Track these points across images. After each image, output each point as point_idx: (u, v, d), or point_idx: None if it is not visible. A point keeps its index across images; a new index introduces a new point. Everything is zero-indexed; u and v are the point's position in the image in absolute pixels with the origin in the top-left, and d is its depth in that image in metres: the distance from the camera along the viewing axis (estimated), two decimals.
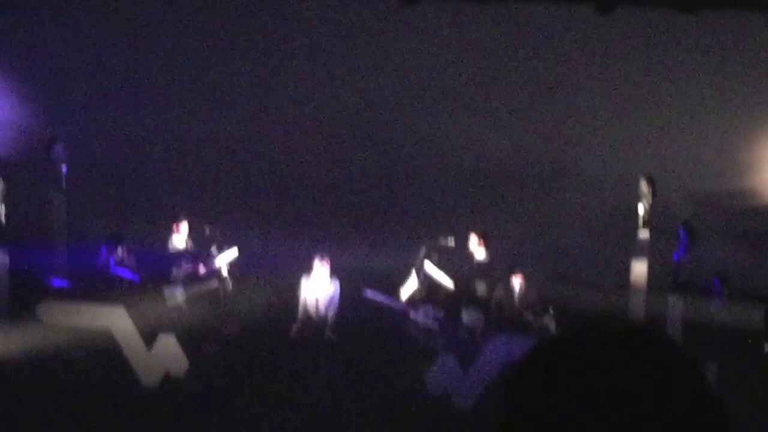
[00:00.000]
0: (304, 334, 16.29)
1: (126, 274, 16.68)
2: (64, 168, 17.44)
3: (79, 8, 19.56)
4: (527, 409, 1.76)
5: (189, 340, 15.80)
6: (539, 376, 1.78)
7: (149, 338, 15.53)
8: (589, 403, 1.70)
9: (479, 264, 17.31)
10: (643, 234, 16.74)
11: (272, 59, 19.75)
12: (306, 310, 16.37)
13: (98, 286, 16.34)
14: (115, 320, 15.60)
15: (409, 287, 16.80)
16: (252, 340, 16.34)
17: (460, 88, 19.65)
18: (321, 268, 16.29)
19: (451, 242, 17.30)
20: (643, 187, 16.74)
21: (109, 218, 18.31)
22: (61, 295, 16.21)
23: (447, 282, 16.86)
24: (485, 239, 17.33)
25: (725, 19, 18.65)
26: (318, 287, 16.35)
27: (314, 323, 16.36)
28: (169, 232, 17.58)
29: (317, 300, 16.34)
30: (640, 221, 16.77)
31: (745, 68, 18.77)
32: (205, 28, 19.71)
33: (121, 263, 16.64)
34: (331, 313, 16.32)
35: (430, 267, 16.83)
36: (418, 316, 16.56)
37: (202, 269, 17.16)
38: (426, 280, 16.85)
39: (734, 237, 18.04)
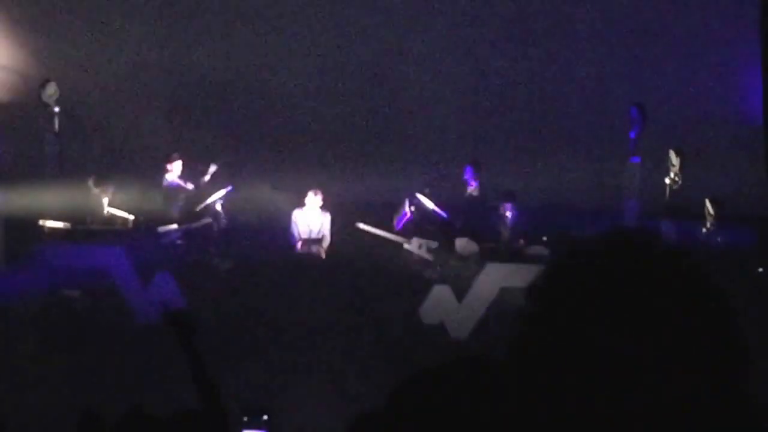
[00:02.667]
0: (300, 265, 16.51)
1: (122, 212, 16.74)
2: (56, 109, 17.43)
3: None
4: (545, 316, 1.77)
5: (185, 277, 15.94)
6: (560, 284, 1.79)
7: (146, 276, 15.65)
8: (610, 307, 1.72)
9: (472, 194, 17.38)
10: (635, 160, 16.80)
11: (263, 3, 19.77)
12: (299, 242, 16.57)
13: (93, 226, 16.42)
14: (112, 259, 15.71)
15: (402, 219, 16.86)
16: (247, 274, 16.45)
17: (449, 18, 19.62)
18: (314, 201, 16.47)
19: (443, 173, 17.36)
20: (634, 113, 16.78)
21: (103, 158, 18.35)
22: (57, 236, 16.29)
23: (440, 212, 16.91)
24: (478, 169, 17.37)
25: None
26: (309, 220, 16.52)
27: (306, 256, 16.54)
28: (163, 169, 17.63)
29: (309, 232, 16.51)
30: (632, 148, 16.82)
31: None
32: None
33: (114, 203, 16.69)
34: (322, 245, 16.52)
35: (423, 198, 16.88)
36: (412, 247, 16.65)
37: (195, 205, 17.23)
38: (419, 212, 16.91)
39: (725, 160, 18.04)
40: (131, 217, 16.65)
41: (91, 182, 16.71)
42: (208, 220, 17.05)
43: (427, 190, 16.97)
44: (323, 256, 16.63)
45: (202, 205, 17.18)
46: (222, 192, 17.17)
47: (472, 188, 17.36)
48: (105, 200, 16.61)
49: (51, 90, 17.06)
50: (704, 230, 16.31)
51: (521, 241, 16.38)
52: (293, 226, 16.64)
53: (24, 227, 16.17)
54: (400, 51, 19.70)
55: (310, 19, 19.75)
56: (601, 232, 1.86)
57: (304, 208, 16.55)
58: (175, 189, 17.53)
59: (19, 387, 12.46)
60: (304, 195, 16.67)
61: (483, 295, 15.27)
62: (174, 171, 17.58)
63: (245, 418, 11.58)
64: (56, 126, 17.37)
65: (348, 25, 19.66)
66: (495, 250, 16.24)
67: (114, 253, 15.75)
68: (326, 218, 16.58)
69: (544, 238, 16.25)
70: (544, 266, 1.86)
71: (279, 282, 16.16)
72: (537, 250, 16.16)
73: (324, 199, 16.69)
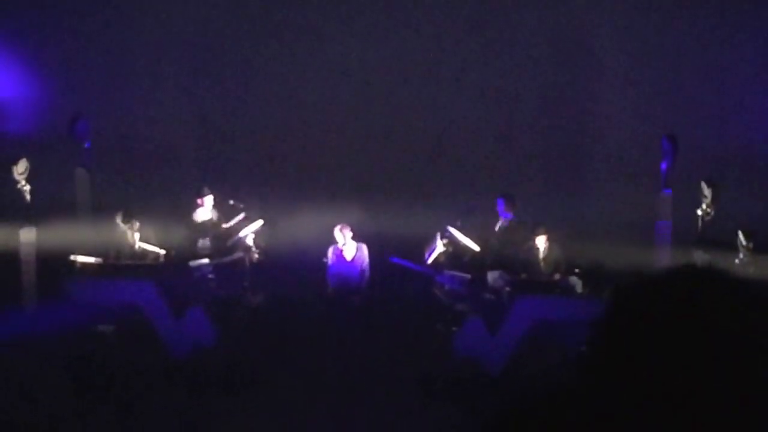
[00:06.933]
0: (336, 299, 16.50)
1: (153, 247, 16.73)
2: (87, 145, 17.49)
3: None
4: (626, 338, 1.79)
5: (217, 311, 15.97)
6: (638, 311, 1.80)
7: (177, 311, 15.66)
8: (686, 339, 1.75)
9: (504, 226, 17.32)
10: (667, 192, 16.70)
11: (289, 37, 19.83)
12: (336, 277, 16.58)
13: (125, 261, 16.42)
14: (144, 294, 15.72)
15: (434, 252, 16.81)
16: (278, 309, 16.45)
17: (480, 54, 19.65)
18: (342, 236, 16.48)
19: (475, 206, 17.31)
20: (665, 145, 16.69)
21: (134, 193, 18.39)
22: (89, 271, 16.30)
23: (472, 245, 16.85)
24: (511, 202, 17.31)
25: None
26: (346, 254, 16.53)
27: (344, 289, 16.53)
28: (194, 205, 17.67)
29: (347, 266, 16.51)
30: (663, 179, 16.72)
31: (765, 22, 18.69)
32: (227, 5, 19.81)
33: (145, 238, 16.67)
34: (361, 278, 16.53)
35: (454, 231, 16.83)
36: (444, 280, 16.60)
37: (227, 241, 17.24)
38: (451, 245, 16.85)
39: (758, 191, 17.96)
40: (162, 251, 16.63)
41: (119, 217, 16.68)
42: (239, 254, 17.03)
43: (459, 223, 16.91)
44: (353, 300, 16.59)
45: (234, 240, 17.18)
46: (253, 226, 17.16)
47: (505, 220, 17.30)
48: (135, 235, 16.56)
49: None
50: (737, 262, 16.19)
51: (554, 273, 16.29)
52: (330, 263, 16.66)
53: (56, 263, 16.18)
54: (429, 83, 19.73)
55: (335, 52, 19.81)
56: (670, 269, 1.81)
57: (339, 244, 16.57)
58: (206, 223, 17.57)
59: (52, 424, 12.42)
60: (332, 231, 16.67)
61: (516, 328, 15.21)
62: (205, 206, 17.63)
63: None
64: (88, 161, 17.44)
65: (376, 57, 19.70)
66: (527, 282, 16.14)
67: (146, 288, 15.75)
68: (363, 249, 16.63)
69: (577, 270, 16.14)
70: (609, 299, 1.81)
71: (311, 316, 16.16)
72: (570, 282, 16.06)
73: (354, 232, 16.68)
